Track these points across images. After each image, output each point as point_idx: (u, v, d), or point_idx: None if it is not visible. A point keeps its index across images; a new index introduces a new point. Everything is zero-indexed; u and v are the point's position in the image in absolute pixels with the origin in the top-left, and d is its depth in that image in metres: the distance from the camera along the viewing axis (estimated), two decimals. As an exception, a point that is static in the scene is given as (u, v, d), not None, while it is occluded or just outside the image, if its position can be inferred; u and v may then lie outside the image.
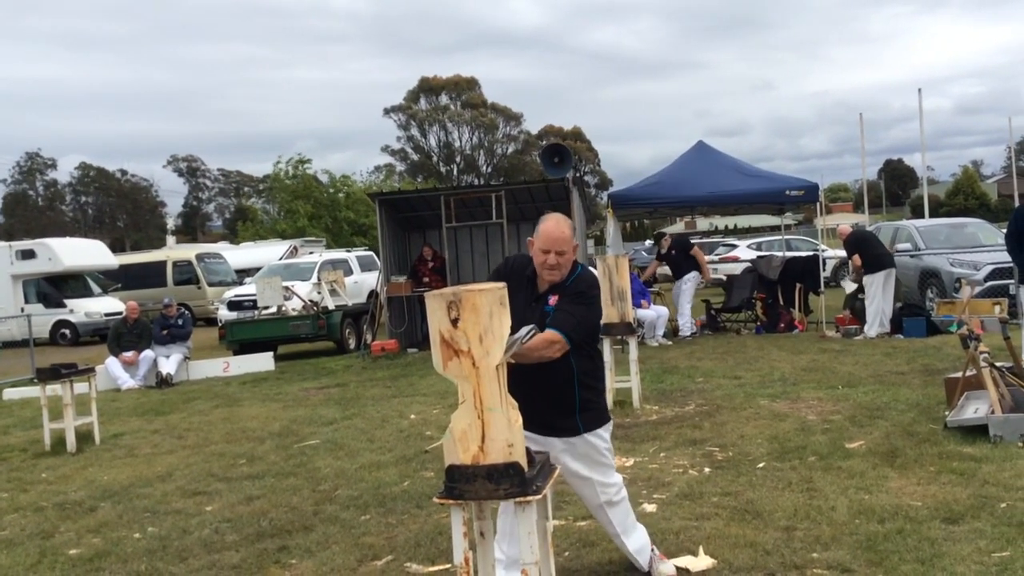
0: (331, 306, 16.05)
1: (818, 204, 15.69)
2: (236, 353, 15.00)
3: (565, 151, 15.08)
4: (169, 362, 13.30)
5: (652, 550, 4.25)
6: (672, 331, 14.01)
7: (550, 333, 3.58)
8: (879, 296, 12.22)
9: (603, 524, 4.18)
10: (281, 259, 24.46)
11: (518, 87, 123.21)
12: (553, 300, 3.78)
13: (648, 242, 45.37)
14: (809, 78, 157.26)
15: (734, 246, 29.23)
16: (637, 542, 4.21)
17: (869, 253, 12.57)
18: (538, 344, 3.48)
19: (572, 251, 3.80)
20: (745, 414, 7.68)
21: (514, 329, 3.05)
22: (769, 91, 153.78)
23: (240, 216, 55.23)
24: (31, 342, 16.03)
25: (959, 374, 7.00)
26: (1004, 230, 10.13)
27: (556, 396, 3.80)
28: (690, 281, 13.99)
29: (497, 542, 3.88)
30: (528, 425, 3.27)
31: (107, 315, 22.07)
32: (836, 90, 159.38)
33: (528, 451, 2.84)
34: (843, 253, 21.58)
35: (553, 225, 3.77)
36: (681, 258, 14.32)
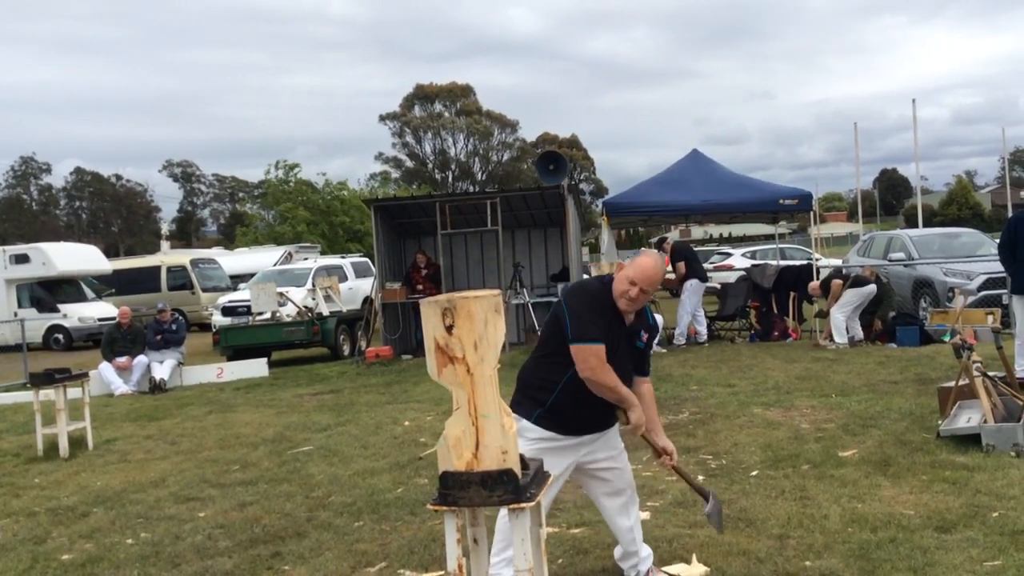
0: (325, 312, 16.03)
1: (812, 213, 15.74)
2: (230, 359, 14.96)
3: (560, 158, 15.11)
4: (163, 367, 13.27)
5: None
6: (667, 339, 14.01)
7: (650, 384, 4.19)
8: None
9: (622, 523, 4.18)
10: (276, 265, 24.46)
11: (514, 95, 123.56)
12: (646, 337, 4.08)
13: (642, 249, 45.47)
14: (807, 88, 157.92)
15: (728, 254, 29.27)
16: (646, 547, 4.27)
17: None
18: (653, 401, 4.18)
19: (652, 293, 3.99)
20: (739, 422, 7.69)
21: (610, 350, 3.75)
22: (767, 100, 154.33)
23: (235, 221, 55.17)
24: (24, 347, 15.98)
25: (952, 383, 7.02)
26: (997, 240, 10.17)
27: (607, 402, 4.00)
28: (688, 289, 13.84)
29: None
30: (596, 428, 3.98)
31: (101, 320, 22.01)
32: (834, 99, 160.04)
33: (522, 458, 2.84)
34: (838, 262, 21.74)
35: (652, 264, 3.91)
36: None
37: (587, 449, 4.02)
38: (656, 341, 12.99)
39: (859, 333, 12.53)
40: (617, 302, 3.88)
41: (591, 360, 3.72)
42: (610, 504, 4.16)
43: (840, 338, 12.27)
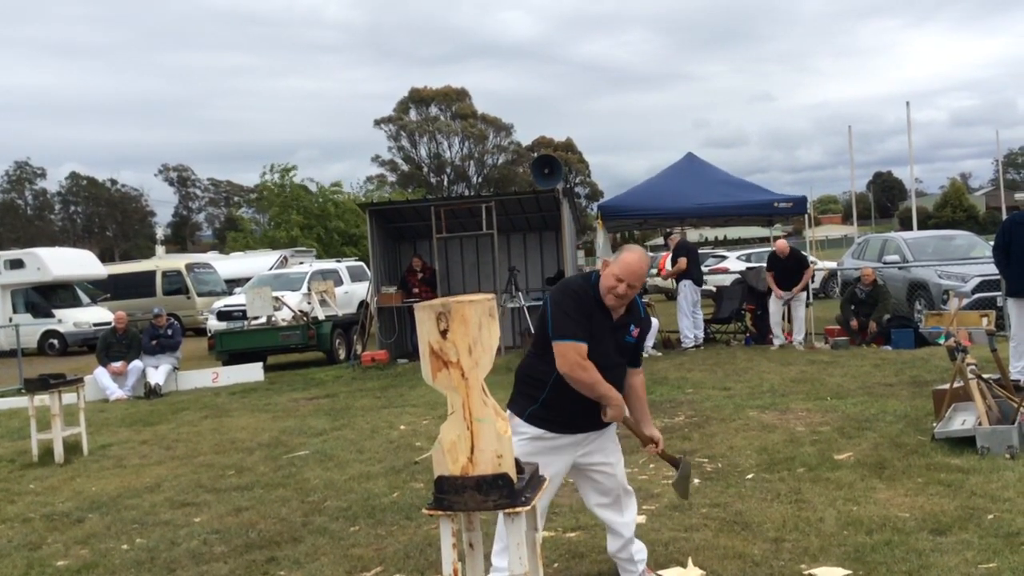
0: (321, 316, 16.03)
1: (807, 216, 15.76)
2: (225, 363, 14.95)
3: (555, 162, 15.12)
4: (158, 372, 13.26)
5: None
6: (661, 342, 14.02)
7: (642, 375, 4.24)
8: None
9: (616, 520, 4.18)
10: (271, 269, 24.43)
11: (509, 98, 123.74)
12: (636, 332, 4.08)
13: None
14: (805, 91, 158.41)
15: (724, 257, 29.30)
16: (641, 547, 4.28)
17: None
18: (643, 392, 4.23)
19: (639, 288, 3.98)
20: (734, 425, 7.70)
21: (594, 345, 3.78)
22: (766, 103, 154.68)
23: (231, 226, 55.13)
24: (19, 352, 15.96)
25: (947, 386, 7.03)
26: (992, 242, 10.20)
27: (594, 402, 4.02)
28: (683, 291, 13.85)
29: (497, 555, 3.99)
30: (588, 426, 3.97)
31: (96, 325, 21.96)
32: (832, 102, 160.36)
33: (517, 462, 2.85)
34: (832, 264, 21.75)
35: (637, 259, 3.90)
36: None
37: (583, 449, 4.05)
38: (651, 344, 13.17)
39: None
40: (604, 299, 3.90)
41: (570, 357, 3.76)
42: (596, 500, 4.19)
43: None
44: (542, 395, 3.93)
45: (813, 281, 15.60)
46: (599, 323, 3.89)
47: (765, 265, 13.92)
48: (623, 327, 4.00)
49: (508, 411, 4.02)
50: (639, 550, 4.25)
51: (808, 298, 14.13)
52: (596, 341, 3.83)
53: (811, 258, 17.78)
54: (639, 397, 4.15)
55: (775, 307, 13.23)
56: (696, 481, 6.00)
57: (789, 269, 13.19)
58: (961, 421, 6.56)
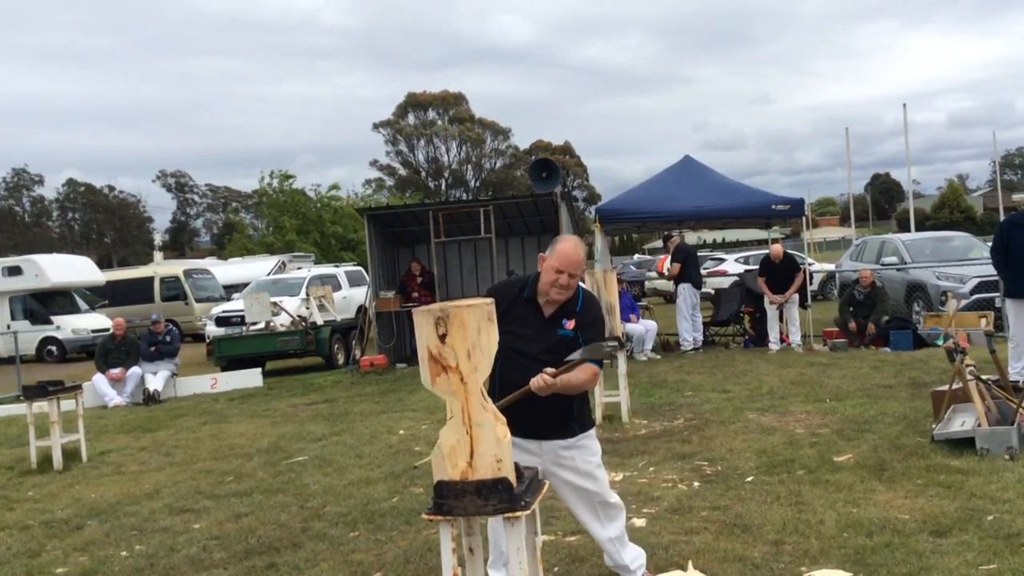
0: (319, 321, 16.01)
1: (804, 218, 15.77)
2: (224, 369, 14.94)
3: (553, 166, 15.13)
4: (156, 379, 13.24)
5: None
6: (661, 345, 14.02)
7: (593, 367, 3.76)
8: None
9: (598, 533, 4.09)
10: (269, 274, 24.41)
11: (506, 102, 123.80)
12: (570, 325, 3.86)
13: (636, 256, 45.51)
14: (803, 93, 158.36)
15: (722, 260, 29.30)
16: (633, 552, 4.22)
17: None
18: (588, 378, 3.75)
19: (581, 274, 3.90)
20: (734, 428, 7.70)
21: (519, 345, 3.51)
22: (764, 106, 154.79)
23: (229, 232, 55.13)
24: (17, 359, 15.94)
25: (946, 387, 7.03)
26: (990, 243, 10.20)
27: (553, 406, 3.79)
28: (681, 294, 13.85)
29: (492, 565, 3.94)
30: (524, 433, 3.66)
31: (94, 332, 21.96)
32: (831, 105, 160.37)
33: (517, 466, 2.84)
34: (830, 266, 21.76)
35: (572, 247, 3.86)
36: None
37: (550, 457, 3.92)
38: (651, 347, 13.16)
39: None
40: (548, 294, 3.86)
41: None
42: (580, 514, 4.10)
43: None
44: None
45: (811, 283, 15.60)
46: (522, 319, 3.84)
47: (757, 269, 13.96)
48: (554, 321, 3.88)
49: None
50: (635, 557, 4.20)
51: (806, 300, 14.13)
52: (517, 337, 3.74)
53: (808, 260, 17.81)
54: (578, 372, 3.68)
55: (771, 312, 13.24)
56: (696, 484, 6.00)
57: (782, 273, 13.20)
58: (960, 422, 6.55)
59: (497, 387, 3.64)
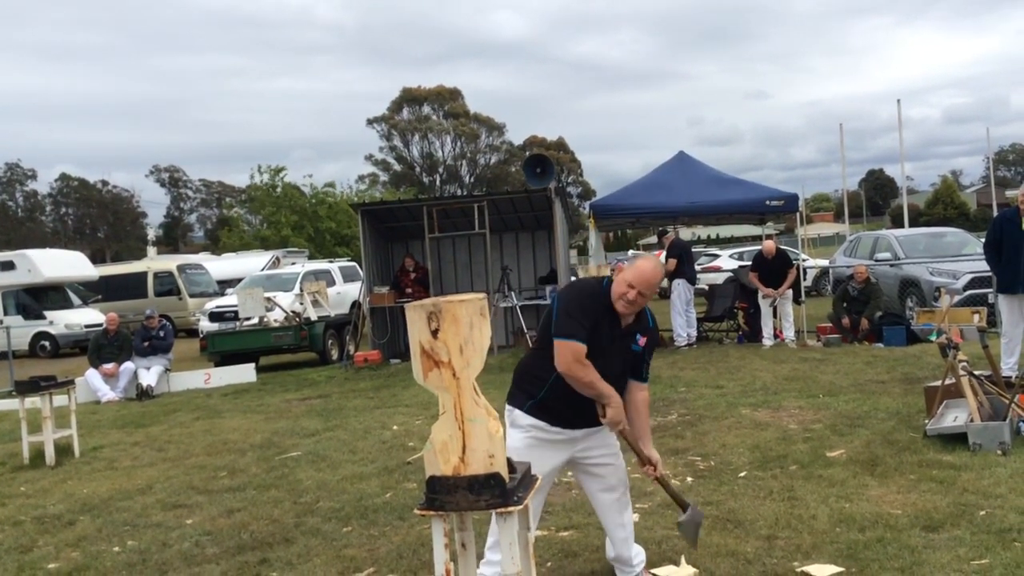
0: (313, 317, 16.00)
1: (799, 214, 15.78)
2: (217, 364, 14.92)
3: (547, 162, 15.14)
4: (150, 374, 13.22)
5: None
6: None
7: (647, 392, 4.18)
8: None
9: (614, 520, 4.21)
10: (263, 270, 24.37)
11: (501, 97, 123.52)
12: (643, 341, 4.04)
13: (630, 252, 45.52)
14: (798, 89, 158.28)
15: (716, 255, 29.32)
16: (637, 548, 4.30)
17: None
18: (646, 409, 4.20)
19: (650, 297, 3.98)
20: (727, 423, 7.71)
21: (598, 350, 3.78)
22: (759, 102, 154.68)
23: (222, 227, 55.05)
24: (10, 354, 15.87)
25: (939, 383, 7.05)
26: (983, 239, 10.23)
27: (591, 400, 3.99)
28: (676, 289, 13.84)
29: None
30: (587, 423, 3.98)
31: (87, 327, 21.87)
32: (825, 100, 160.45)
33: (509, 461, 2.84)
34: (824, 262, 21.78)
35: (651, 267, 3.94)
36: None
37: (582, 445, 4.07)
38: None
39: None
40: (615, 304, 3.91)
41: (567, 356, 3.77)
42: (605, 499, 4.20)
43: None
44: (541, 392, 3.94)
45: (805, 279, 15.62)
46: (605, 329, 3.89)
47: (750, 265, 13.95)
48: (630, 335, 3.99)
49: (507, 405, 4.05)
50: (637, 553, 4.28)
51: (800, 296, 14.16)
52: (600, 347, 3.83)
53: (802, 256, 17.83)
54: (640, 413, 4.10)
55: (765, 308, 13.25)
56: (689, 479, 6.01)
57: (775, 269, 13.21)
58: (953, 418, 6.57)
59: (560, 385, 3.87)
